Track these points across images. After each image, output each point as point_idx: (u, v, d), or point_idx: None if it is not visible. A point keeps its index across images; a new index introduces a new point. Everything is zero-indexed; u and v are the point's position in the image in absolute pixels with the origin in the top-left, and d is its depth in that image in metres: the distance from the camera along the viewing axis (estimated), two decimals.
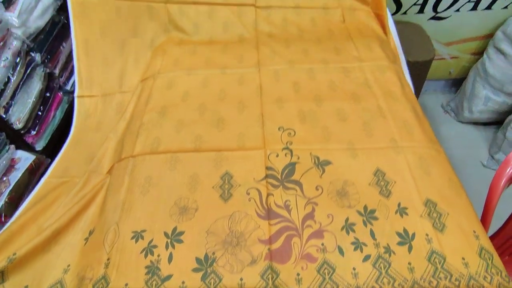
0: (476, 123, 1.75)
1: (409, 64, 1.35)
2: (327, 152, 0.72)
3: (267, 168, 0.70)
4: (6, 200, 1.10)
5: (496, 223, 0.85)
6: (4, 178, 1.14)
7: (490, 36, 1.55)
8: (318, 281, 0.56)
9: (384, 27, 1.05)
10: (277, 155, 0.72)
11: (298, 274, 0.57)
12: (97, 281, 0.58)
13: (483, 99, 1.62)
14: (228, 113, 0.81)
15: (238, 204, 0.65)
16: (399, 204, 0.65)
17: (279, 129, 0.77)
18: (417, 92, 1.53)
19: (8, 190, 1.11)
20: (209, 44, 1.01)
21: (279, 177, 0.69)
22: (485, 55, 1.55)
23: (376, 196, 0.66)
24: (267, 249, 0.60)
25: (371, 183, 0.68)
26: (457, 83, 1.83)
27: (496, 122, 1.68)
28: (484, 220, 0.75)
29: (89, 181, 0.77)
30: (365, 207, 0.65)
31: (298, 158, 0.72)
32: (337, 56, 0.94)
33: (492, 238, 0.85)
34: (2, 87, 1.11)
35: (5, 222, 1.08)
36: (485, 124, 1.74)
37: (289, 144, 0.74)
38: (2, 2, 1.06)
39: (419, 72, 1.39)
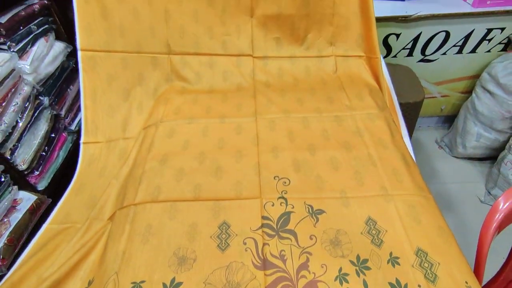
0: (471, 158, 1.79)
1: (401, 105, 1.41)
2: (321, 201, 0.75)
3: (263, 217, 0.73)
4: (5, 242, 1.10)
5: (493, 265, 0.86)
6: (5, 220, 1.15)
7: (477, 76, 1.63)
8: None
9: (376, 71, 1.12)
10: (273, 204, 0.75)
11: None
12: None
13: (475, 136, 1.66)
14: (226, 162, 0.85)
15: (235, 254, 0.68)
16: (390, 254, 0.67)
17: (274, 178, 0.81)
18: (411, 130, 1.58)
19: (8, 232, 1.12)
20: (210, 93, 1.07)
21: (275, 226, 0.72)
22: (473, 94, 1.61)
23: (368, 245, 0.69)
24: None
25: (363, 232, 0.71)
26: (449, 119, 1.89)
27: (491, 157, 1.72)
28: (477, 270, 0.76)
29: (91, 228, 0.79)
30: (358, 257, 0.67)
31: (293, 207, 0.75)
32: (330, 105, 1.00)
33: (489, 284, 0.86)
34: (10, 131, 1.15)
35: (3, 265, 1.09)
36: (480, 159, 1.77)
37: (284, 193, 0.77)
38: (17, 51, 1.13)
39: (411, 112, 1.45)
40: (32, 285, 0.68)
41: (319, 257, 0.67)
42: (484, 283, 0.84)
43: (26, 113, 1.26)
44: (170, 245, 0.70)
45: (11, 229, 1.14)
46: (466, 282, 0.63)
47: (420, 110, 1.47)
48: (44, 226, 0.88)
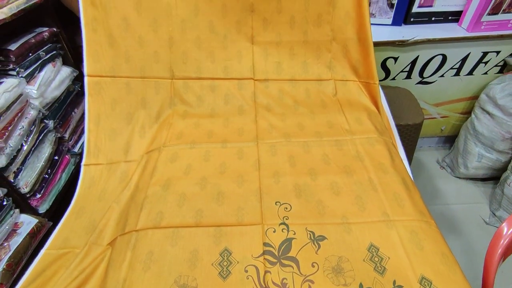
0: (473, 179, 1.78)
1: (401, 127, 1.43)
2: (322, 227, 0.75)
3: (265, 244, 0.73)
4: (4, 267, 1.09)
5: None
6: (5, 244, 1.14)
7: (475, 97, 1.65)
8: None
9: (375, 96, 1.14)
10: (274, 231, 0.75)
11: None
12: None
13: (477, 156, 1.66)
14: (227, 187, 0.85)
15: (236, 282, 0.67)
16: (394, 282, 0.66)
17: (276, 203, 0.81)
18: (411, 151, 1.59)
19: (7, 257, 1.11)
20: (211, 117, 1.09)
21: (276, 253, 0.71)
22: (473, 115, 1.63)
23: (371, 273, 0.68)
24: None
25: (366, 259, 0.70)
26: (450, 139, 1.90)
27: (493, 177, 1.71)
28: None
29: (90, 253, 0.79)
30: (361, 285, 0.66)
31: (294, 233, 0.74)
32: (330, 129, 1.01)
33: None
34: (15, 154, 1.16)
35: None
36: (483, 179, 1.77)
37: (286, 219, 0.77)
38: (25, 76, 1.16)
39: (411, 134, 1.46)
40: None
41: (322, 285, 0.66)
42: None
43: (31, 136, 1.27)
44: (171, 272, 0.69)
45: (10, 253, 1.13)
46: None
47: (420, 132, 1.48)
48: (42, 251, 0.87)
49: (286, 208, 0.80)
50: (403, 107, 1.48)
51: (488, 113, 1.55)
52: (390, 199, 0.80)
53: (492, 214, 1.62)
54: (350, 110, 1.08)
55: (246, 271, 0.69)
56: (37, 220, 1.24)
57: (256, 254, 0.71)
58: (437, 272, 0.68)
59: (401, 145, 1.04)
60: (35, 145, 1.29)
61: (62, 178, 1.44)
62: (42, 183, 1.34)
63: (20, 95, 1.15)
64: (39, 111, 1.29)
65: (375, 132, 0.99)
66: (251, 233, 0.75)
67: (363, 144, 0.95)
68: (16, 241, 1.17)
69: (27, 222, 1.23)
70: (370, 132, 0.99)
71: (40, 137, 1.31)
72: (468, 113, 1.73)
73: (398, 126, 1.39)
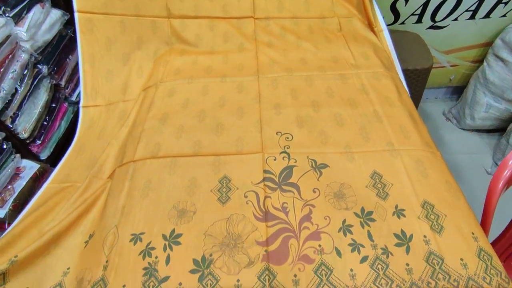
0: (479, 130, 1.74)
1: (408, 72, 1.37)
2: (324, 156, 0.73)
3: (265, 171, 0.71)
4: (10, 208, 1.12)
5: (497, 228, 0.84)
6: (9, 186, 1.16)
7: (489, 44, 1.56)
8: (315, 282, 0.56)
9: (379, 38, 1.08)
10: (275, 159, 0.73)
11: (295, 276, 0.57)
12: (96, 283, 0.59)
13: (485, 106, 1.62)
14: (227, 119, 0.83)
15: (235, 207, 0.66)
16: (396, 206, 0.65)
17: (277, 133, 0.79)
18: (417, 99, 1.54)
19: (12, 198, 1.13)
20: (210, 54, 1.04)
21: (277, 180, 0.70)
22: (485, 63, 1.56)
23: (373, 198, 0.67)
24: (264, 251, 0.60)
25: (368, 185, 0.69)
26: (458, 90, 1.83)
27: (499, 129, 1.67)
28: (484, 223, 0.74)
29: (90, 186, 0.79)
30: (362, 209, 0.65)
31: (296, 161, 0.72)
32: (334, 64, 0.96)
33: (494, 243, 0.84)
34: (10, 98, 1.14)
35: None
36: (488, 131, 1.73)
37: (287, 148, 0.75)
38: (12, 17, 1.11)
39: (418, 79, 1.40)
40: (32, 238, 0.68)
41: (323, 209, 0.65)
42: (490, 240, 0.83)
43: (25, 81, 1.24)
44: (170, 199, 0.69)
45: (15, 195, 1.15)
46: (473, 233, 0.61)
47: (427, 78, 1.42)
48: (45, 185, 0.87)
49: (288, 138, 0.77)
50: (412, 51, 1.40)
51: (501, 60, 1.47)
52: (396, 130, 0.78)
53: (495, 164, 1.60)
54: (355, 45, 1.02)
55: (246, 197, 0.68)
56: (39, 165, 1.25)
57: (256, 181, 0.70)
58: (441, 198, 0.66)
59: (407, 87, 0.99)
60: (30, 91, 1.26)
61: (61, 126, 1.42)
62: (41, 129, 1.33)
63: (9, 36, 1.10)
64: (31, 55, 1.25)
65: (382, 67, 0.94)
66: (251, 161, 0.73)
67: (368, 78, 0.91)
68: (20, 184, 1.19)
69: (29, 167, 1.24)
70: (376, 66, 0.94)
71: (35, 83, 1.28)
72: (479, 61, 1.66)
73: (405, 71, 1.33)
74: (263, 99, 0.87)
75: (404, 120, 0.81)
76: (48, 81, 1.33)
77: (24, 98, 1.24)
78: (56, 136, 1.37)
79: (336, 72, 0.93)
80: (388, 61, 0.99)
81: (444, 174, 0.71)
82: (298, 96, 0.87)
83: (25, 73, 1.23)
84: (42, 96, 1.30)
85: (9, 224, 1.11)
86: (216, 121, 0.82)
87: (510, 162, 0.75)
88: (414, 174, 0.70)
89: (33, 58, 1.26)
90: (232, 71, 0.97)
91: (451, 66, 1.70)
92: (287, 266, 0.58)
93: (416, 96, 1.48)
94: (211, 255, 0.60)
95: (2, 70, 1.07)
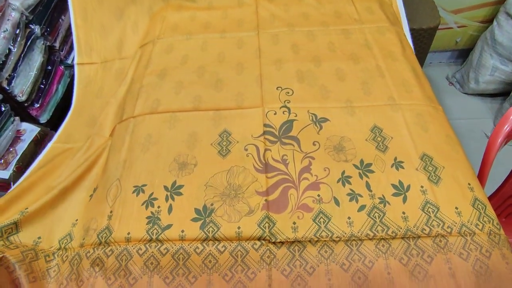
0: (481, 95, 1.72)
1: (414, 31, 1.32)
2: (325, 110, 0.73)
3: (265, 125, 0.71)
4: (14, 169, 1.13)
5: (493, 186, 0.85)
6: (11, 149, 1.17)
7: (501, 1, 1.50)
8: (313, 229, 0.58)
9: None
10: (275, 113, 0.73)
11: (294, 223, 0.59)
12: (101, 231, 0.61)
13: (490, 69, 1.58)
14: (226, 74, 0.81)
15: (236, 160, 0.67)
16: (395, 158, 0.66)
17: (277, 88, 0.78)
18: (421, 61, 1.50)
19: (15, 160, 1.14)
20: (209, 10, 1.00)
21: (277, 133, 0.70)
22: (494, 22, 1.50)
23: (373, 151, 0.67)
24: (264, 200, 0.61)
25: (368, 138, 0.69)
26: (463, 54, 1.79)
27: (502, 93, 1.65)
28: (481, 177, 0.75)
29: (93, 144, 0.79)
30: (362, 161, 0.65)
31: (296, 115, 0.72)
32: (337, 19, 0.93)
33: (489, 199, 0.86)
34: (4, 59, 1.12)
35: None
36: (491, 95, 1.71)
37: (287, 103, 0.74)
38: None
39: (424, 39, 1.36)
40: (40, 193, 0.70)
41: (322, 161, 0.66)
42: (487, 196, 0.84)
43: (18, 41, 1.21)
44: (170, 152, 0.69)
45: (18, 157, 1.16)
46: (469, 184, 0.62)
47: (433, 38, 1.38)
48: (50, 144, 0.88)
49: (288, 93, 0.76)
50: (418, 10, 1.35)
51: None
52: (397, 84, 0.76)
53: None
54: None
55: (246, 150, 0.68)
56: (39, 128, 1.25)
57: (256, 134, 0.70)
58: (439, 150, 0.67)
59: (412, 44, 0.96)
60: (24, 52, 1.24)
61: (59, 89, 1.41)
62: (38, 93, 1.32)
63: None
64: (22, 13, 1.21)
65: (387, 21, 0.91)
66: (251, 115, 0.72)
67: (372, 33, 0.88)
68: (22, 146, 1.20)
69: (30, 130, 1.24)
70: (381, 21, 0.91)
71: (28, 44, 1.25)
72: (488, 21, 1.60)
73: (410, 31, 1.29)
74: (263, 55, 0.85)
75: (406, 74, 0.79)
76: (42, 42, 1.30)
77: (19, 59, 1.22)
78: (54, 99, 1.36)
79: (339, 27, 0.90)
80: (394, 16, 0.95)
81: (444, 128, 0.71)
82: (299, 51, 0.85)
83: (17, 32, 1.20)
84: (37, 58, 1.27)
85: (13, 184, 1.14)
86: (216, 76, 0.81)
87: (511, 117, 0.75)
88: (414, 128, 0.70)
89: (24, 17, 1.22)
90: (231, 26, 0.93)
91: (459, 27, 1.65)
92: (286, 215, 0.60)
93: (420, 58, 1.44)
94: (212, 204, 0.61)
95: None
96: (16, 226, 0.64)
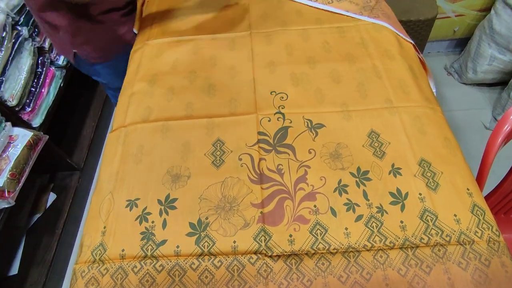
0: (480, 85, 1.70)
1: (411, 23, 1.29)
2: (320, 115, 0.71)
3: (259, 133, 0.69)
4: (8, 176, 1.12)
5: (493, 183, 0.84)
6: (4, 155, 1.15)
7: None
8: (310, 241, 0.57)
9: None
10: (269, 120, 0.71)
11: (290, 236, 0.58)
12: (95, 248, 0.60)
13: (488, 59, 1.56)
14: (219, 79, 0.79)
15: (230, 170, 0.65)
16: (392, 165, 0.64)
17: (271, 93, 0.75)
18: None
19: (9, 167, 1.13)
20: (199, 8, 0.97)
21: (271, 141, 0.68)
22: (492, 11, 1.47)
23: (370, 157, 0.66)
24: (259, 213, 0.60)
25: (365, 144, 0.67)
26: (461, 43, 1.76)
27: (501, 83, 1.63)
28: (480, 178, 0.74)
29: None
30: (358, 169, 0.64)
31: (291, 122, 0.70)
32: (332, 15, 0.90)
33: (488, 196, 0.85)
34: None
35: (9, 197, 1.11)
36: (489, 85, 1.69)
37: (281, 108, 0.72)
38: None
39: (421, 31, 1.33)
40: None
41: (318, 170, 0.64)
42: (485, 194, 0.84)
43: (5, 44, 1.18)
44: (163, 164, 0.67)
45: (11, 164, 1.15)
46: (468, 189, 0.61)
47: (431, 29, 1.35)
48: None
49: (282, 98, 0.74)
50: (416, 0, 1.32)
51: (510, 7, 1.39)
52: (394, 86, 0.74)
53: (494, 119, 1.58)
54: None
55: (240, 159, 0.66)
56: (32, 133, 1.23)
57: (250, 143, 0.68)
58: (438, 154, 0.65)
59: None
60: (12, 54, 1.21)
61: (50, 92, 1.38)
62: (29, 96, 1.30)
63: None
64: (8, 15, 1.17)
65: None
66: (244, 123, 0.70)
67: (368, 30, 0.85)
68: (15, 152, 1.18)
69: (22, 135, 1.22)
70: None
71: (16, 46, 1.21)
72: (486, 9, 1.56)
73: (408, 23, 1.26)
74: (256, 57, 0.82)
75: (403, 73, 0.77)
76: (30, 43, 1.26)
77: (7, 63, 1.19)
78: (46, 102, 1.34)
79: (334, 25, 0.87)
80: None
81: (442, 130, 0.69)
82: (293, 52, 0.82)
83: (3, 35, 1.16)
84: (26, 60, 1.24)
85: (9, 192, 1.12)
86: (208, 81, 0.79)
87: (511, 117, 0.73)
88: (412, 132, 0.68)
89: (11, 18, 1.19)
90: (223, 26, 0.90)
91: (456, 16, 1.61)
92: (282, 227, 0.59)
93: (419, 48, 1.42)
94: (207, 218, 0.60)
95: None
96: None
